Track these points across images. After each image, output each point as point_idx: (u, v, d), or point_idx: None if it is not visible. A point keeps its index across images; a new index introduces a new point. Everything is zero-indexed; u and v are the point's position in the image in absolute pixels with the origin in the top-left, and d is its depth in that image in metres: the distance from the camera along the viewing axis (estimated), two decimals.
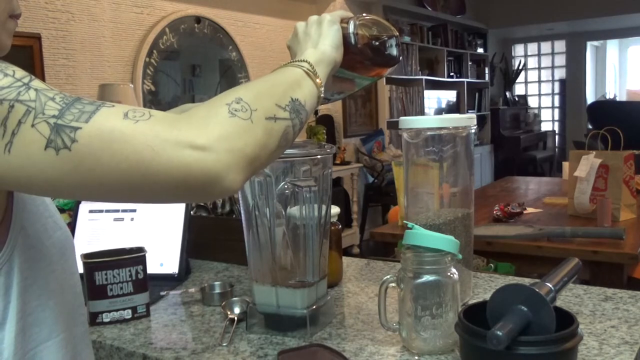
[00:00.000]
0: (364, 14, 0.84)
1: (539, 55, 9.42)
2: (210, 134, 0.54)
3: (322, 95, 0.72)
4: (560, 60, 9.17)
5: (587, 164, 2.21)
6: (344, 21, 0.81)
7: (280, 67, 0.72)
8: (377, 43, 0.82)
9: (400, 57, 0.88)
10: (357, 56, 0.81)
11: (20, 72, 0.54)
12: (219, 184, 0.54)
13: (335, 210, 1.17)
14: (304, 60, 0.72)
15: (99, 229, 1.35)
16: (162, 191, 0.54)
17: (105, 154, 0.51)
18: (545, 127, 9.30)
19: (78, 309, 0.74)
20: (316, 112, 4.79)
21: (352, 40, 0.80)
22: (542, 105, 9.45)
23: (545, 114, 9.42)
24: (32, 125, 0.50)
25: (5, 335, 0.60)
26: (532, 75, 9.55)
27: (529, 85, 9.56)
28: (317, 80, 0.71)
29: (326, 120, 4.93)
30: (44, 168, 0.51)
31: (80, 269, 0.91)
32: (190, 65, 3.99)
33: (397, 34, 0.85)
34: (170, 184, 0.53)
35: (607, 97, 9.01)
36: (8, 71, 0.53)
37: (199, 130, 0.54)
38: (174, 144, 0.52)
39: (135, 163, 0.52)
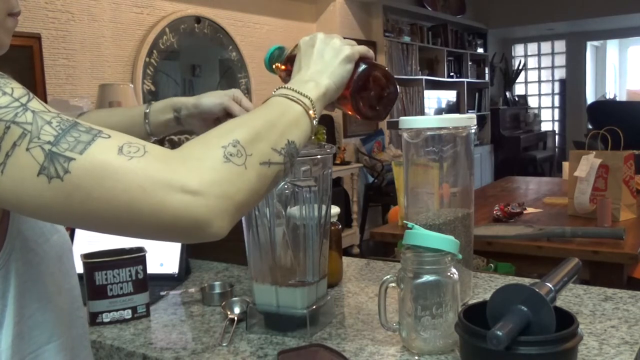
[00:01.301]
0: (382, 65, 0.82)
1: (539, 55, 9.42)
2: (203, 178, 0.53)
3: (313, 133, 0.71)
4: (560, 60, 9.17)
5: (587, 164, 2.21)
6: (361, 58, 0.79)
7: (281, 94, 0.70)
8: (375, 103, 0.81)
9: (387, 116, 0.87)
10: (350, 100, 0.80)
11: (18, 91, 0.53)
12: (206, 230, 0.54)
13: (335, 210, 1.17)
14: (306, 96, 0.70)
15: None
16: (149, 231, 0.54)
17: (97, 190, 0.51)
18: (545, 127, 9.31)
19: (77, 311, 0.74)
20: None
21: (355, 88, 0.79)
22: (542, 105, 9.45)
23: (545, 114, 9.42)
24: (27, 150, 0.50)
25: (2, 339, 0.60)
26: (532, 75, 9.55)
27: (529, 85, 9.56)
28: (314, 119, 0.69)
29: (326, 120, 4.93)
30: (35, 194, 0.51)
31: (80, 269, 0.91)
32: (190, 65, 3.99)
33: (398, 95, 0.84)
34: (158, 226, 0.53)
35: (607, 97, 9.00)
36: (7, 89, 0.53)
37: (191, 173, 0.53)
38: (166, 187, 0.52)
39: (125, 202, 0.52)
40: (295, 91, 0.70)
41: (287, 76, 0.85)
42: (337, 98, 0.79)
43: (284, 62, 0.88)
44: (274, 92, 0.71)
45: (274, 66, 0.89)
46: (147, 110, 1.00)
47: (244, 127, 0.61)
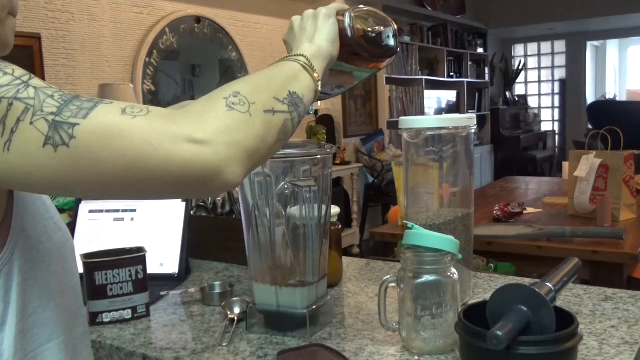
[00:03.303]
0: (361, 6, 0.83)
1: (539, 55, 9.42)
2: (208, 127, 0.54)
3: (319, 89, 0.72)
4: (560, 60, 9.17)
5: (587, 164, 2.21)
6: (339, 14, 0.80)
7: (277, 61, 0.72)
8: (373, 35, 0.81)
9: (398, 48, 0.87)
10: (354, 49, 0.81)
11: (19, 71, 0.54)
12: (219, 178, 0.53)
13: (335, 210, 1.17)
14: (300, 55, 0.71)
15: (99, 229, 1.35)
16: (161, 186, 0.54)
17: (104, 150, 0.51)
18: (545, 127, 9.31)
19: (78, 310, 0.74)
20: (316, 112, 4.79)
21: (349, 33, 0.79)
22: (542, 105, 9.45)
23: (545, 114, 9.42)
24: (31, 123, 0.50)
25: (5, 337, 0.60)
26: (532, 75, 9.55)
27: (529, 85, 9.56)
28: (315, 75, 0.71)
29: (326, 120, 4.92)
30: (42, 165, 0.51)
31: (80, 269, 0.91)
32: (190, 65, 3.99)
33: (394, 24, 0.84)
34: (169, 179, 0.53)
35: (607, 97, 9.01)
36: (7, 70, 0.53)
37: (196, 124, 0.54)
38: (172, 139, 0.52)
39: (133, 159, 0.51)
40: (290, 55, 0.72)
41: None
42: (346, 58, 0.81)
43: None
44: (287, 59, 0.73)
45: None
46: None
47: (243, 82, 0.62)
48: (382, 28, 0.82)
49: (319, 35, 0.76)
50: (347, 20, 0.80)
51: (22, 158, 0.51)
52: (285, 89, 0.64)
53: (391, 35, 0.84)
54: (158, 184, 0.53)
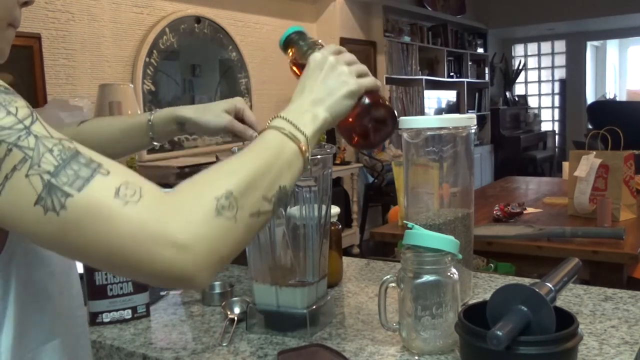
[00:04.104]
0: (385, 102, 0.80)
1: (539, 55, 9.42)
2: (193, 233, 0.54)
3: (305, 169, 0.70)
4: (560, 60, 9.17)
5: (587, 164, 2.21)
6: (366, 92, 0.77)
7: (277, 126, 0.68)
8: (369, 134, 0.80)
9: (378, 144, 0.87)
10: (343, 129, 0.80)
11: (22, 111, 0.53)
12: (190, 282, 0.55)
13: (335, 210, 1.17)
14: (302, 132, 0.69)
15: None
16: (136, 276, 0.57)
17: (90, 231, 0.52)
18: (545, 127, 9.31)
19: (77, 310, 0.74)
20: None
21: (356, 121, 0.78)
22: (542, 105, 9.45)
23: (545, 114, 9.42)
24: (27, 176, 0.51)
25: (2, 338, 0.60)
26: (532, 75, 9.55)
27: (529, 85, 9.56)
28: (307, 156, 0.69)
29: None
30: (29, 222, 0.52)
31: (80, 269, 0.91)
32: (190, 65, 3.99)
33: (393, 132, 0.82)
34: (145, 274, 0.55)
35: (607, 97, 9.01)
36: (11, 108, 0.53)
37: (183, 227, 0.54)
38: (157, 240, 0.53)
39: (116, 248, 0.52)
40: (292, 124, 0.69)
41: (294, 74, 0.85)
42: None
43: (295, 61, 0.86)
44: (270, 121, 0.70)
45: (288, 50, 0.87)
46: (150, 122, 1.02)
47: (238, 174, 0.61)
48: (387, 126, 0.81)
49: (330, 108, 0.73)
50: (364, 104, 0.77)
51: (11, 206, 0.51)
52: (276, 184, 0.63)
53: (382, 141, 0.83)
54: (134, 274, 0.56)
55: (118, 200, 0.52)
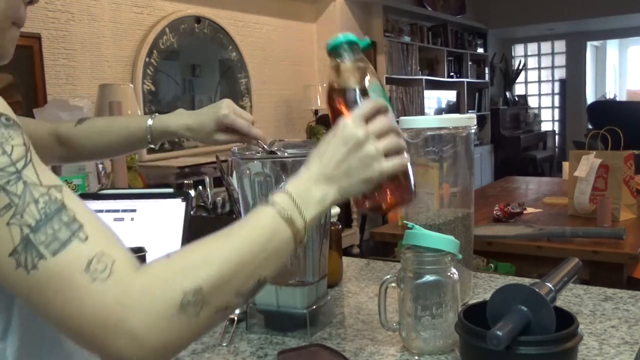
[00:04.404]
0: (407, 179, 0.74)
1: (539, 55, 9.42)
2: (151, 324, 0.53)
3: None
4: (560, 60, 9.17)
5: (587, 164, 2.21)
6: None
7: (279, 204, 0.64)
8: (384, 207, 0.76)
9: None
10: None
11: (17, 151, 0.53)
12: None
13: (335, 210, 1.17)
14: (303, 218, 0.64)
15: None
16: (87, 349, 0.56)
17: (53, 299, 0.52)
18: (545, 127, 9.30)
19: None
20: (316, 112, 4.79)
21: (368, 195, 0.73)
22: (542, 105, 9.45)
23: (545, 114, 9.42)
24: (7, 224, 0.51)
25: (7, 346, 0.60)
26: (532, 75, 9.55)
27: (529, 85, 9.56)
28: (301, 243, 0.65)
29: (326, 120, 4.92)
30: (1, 269, 0.52)
31: None
32: (190, 65, 3.99)
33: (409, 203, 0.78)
34: (94, 350, 0.55)
35: (607, 97, 9.00)
36: (7, 147, 0.52)
37: (143, 316, 0.53)
38: (114, 325, 0.52)
39: (74, 321, 0.53)
40: (296, 204, 0.64)
41: (330, 89, 0.78)
42: None
43: (333, 73, 0.78)
44: (274, 196, 0.65)
45: (332, 58, 0.78)
46: (149, 137, 1.08)
47: (214, 264, 0.58)
48: (402, 203, 0.78)
49: (343, 191, 0.68)
50: (383, 182, 0.71)
51: None
52: (256, 275, 0.60)
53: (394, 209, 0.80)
54: (85, 346, 0.56)
55: (87, 275, 0.52)
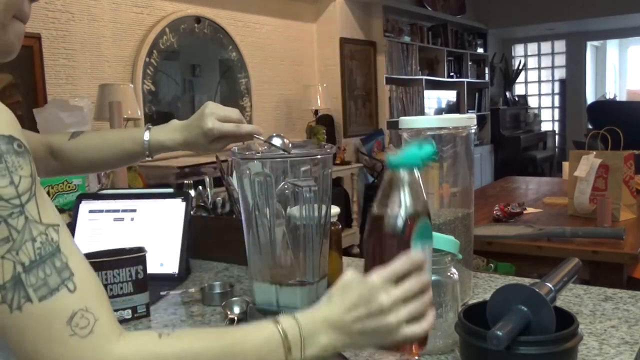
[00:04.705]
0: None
1: (539, 55, 9.42)
2: None
3: None
4: (560, 60, 9.17)
5: (587, 164, 2.21)
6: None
7: (284, 331, 0.63)
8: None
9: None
10: None
11: (24, 183, 0.53)
12: None
13: (335, 210, 1.16)
14: (302, 353, 0.63)
15: (99, 228, 1.35)
16: None
17: (32, 343, 0.53)
18: (545, 127, 9.30)
19: None
20: (316, 112, 4.79)
21: None
22: (542, 105, 9.45)
23: (545, 114, 9.42)
24: (2, 257, 0.51)
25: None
26: (532, 75, 9.55)
27: (529, 85, 9.56)
28: None
29: (326, 120, 4.92)
30: None
31: None
32: (190, 65, 3.99)
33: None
34: None
35: (607, 97, 9.00)
36: (15, 177, 0.53)
37: None
38: None
39: None
40: (301, 337, 0.63)
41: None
42: None
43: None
44: (283, 318, 0.65)
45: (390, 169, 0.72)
46: (147, 152, 1.08)
47: None
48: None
49: (353, 344, 0.66)
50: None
51: None
52: None
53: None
54: None
55: (67, 328, 0.53)
